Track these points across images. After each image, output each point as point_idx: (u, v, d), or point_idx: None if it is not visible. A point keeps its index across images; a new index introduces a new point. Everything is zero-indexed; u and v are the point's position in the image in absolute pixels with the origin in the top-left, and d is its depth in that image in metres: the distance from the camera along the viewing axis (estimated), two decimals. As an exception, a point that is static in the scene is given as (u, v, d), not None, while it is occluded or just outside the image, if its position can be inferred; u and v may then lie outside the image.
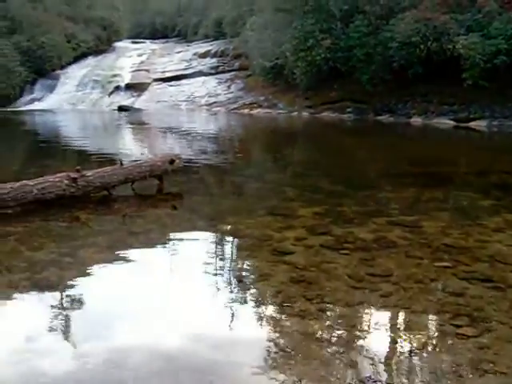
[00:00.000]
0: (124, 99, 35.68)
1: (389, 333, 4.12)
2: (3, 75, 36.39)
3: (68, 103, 36.46)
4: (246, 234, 6.39)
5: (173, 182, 9.17)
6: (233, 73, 36.66)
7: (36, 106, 36.43)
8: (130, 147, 16.58)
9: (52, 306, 4.51)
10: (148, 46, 47.83)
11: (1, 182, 7.27)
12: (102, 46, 45.98)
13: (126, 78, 38.13)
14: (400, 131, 21.56)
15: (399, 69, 23.61)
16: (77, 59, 42.83)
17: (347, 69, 25.96)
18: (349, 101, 26.34)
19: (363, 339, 3.94)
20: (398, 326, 4.26)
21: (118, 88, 37.45)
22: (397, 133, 21.17)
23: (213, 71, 37.56)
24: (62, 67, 41.17)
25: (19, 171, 11.22)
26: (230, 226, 6.88)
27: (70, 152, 14.68)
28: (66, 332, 4.09)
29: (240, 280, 5.06)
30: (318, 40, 26.48)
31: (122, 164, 8.25)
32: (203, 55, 40.16)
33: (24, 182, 7.30)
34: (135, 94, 36.45)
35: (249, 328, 4.17)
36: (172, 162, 8.75)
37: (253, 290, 4.81)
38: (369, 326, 4.19)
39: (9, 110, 34.45)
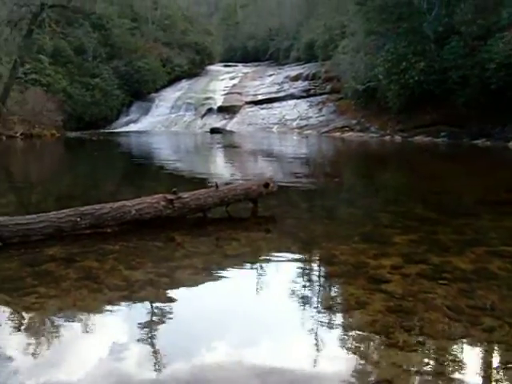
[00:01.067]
0: (216, 121, 36.50)
1: (493, 371, 3.90)
2: (102, 98, 38.18)
3: (162, 125, 37.71)
4: (340, 260, 6.27)
5: (266, 205, 9.21)
6: (324, 96, 36.73)
7: (131, 127, 37.91)
8: (223, 169, 16.86)
9: (148, 324, 4.59)
10: (240, 69, 48.85)
11: (100, 202, 7.55)
12: (196, 69, 47.40)
13: (219, 101, 39.05)
14: (497, 156, 20.80)
15: (497, 91, 22.83)
16: (171, 82, 44.43)
17: (441, 91, 25.42)
18: (443, 124, 25.75)
19: (466, 375, 3.77)
20: (504, 365, 4.02)
21: (210, 110, 38.41)
22: (494, 158, 20.40)
23: (304, 94, 37.77)
24: (157, 90, 42.81)
25: (116, 191, 11.66)
26: (323, 252, 6.79)
27: (164, 173, 15.10)
28: (159, 350, 4.14)
29: (333, 307, 4.98)
30: (412, 62, 26.14)
31: (217, 187, 8.38)
32: (295, 78, 40.50)
33: (123, 202, 7.56)
34: (227, 116, 37.19)
35: (342, 358, 4.06)
36: (267, 185, 8.80)
37: (348, 319, 4.71)
38: (471, 362, 3.98)
39: (106, 131, 35.99)
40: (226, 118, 37.06)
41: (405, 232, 7.62)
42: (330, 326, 4.59)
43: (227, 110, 37.79)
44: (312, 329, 4.50)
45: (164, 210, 7.75)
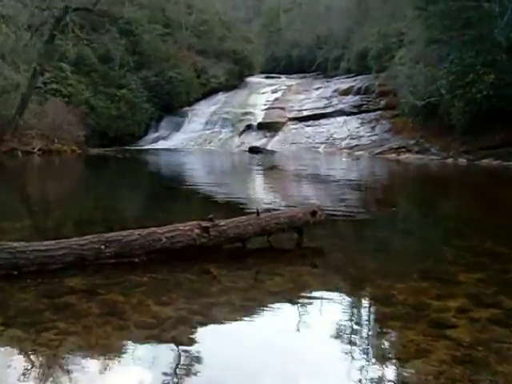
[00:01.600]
0: (256, 140, 36.68)
1: None
2: (129, 111, 38.76)
3: (195, 143, 38.10)
4: (397, 300, 6.17)
5: (312, 235, 9.18)
6: (378, 112, 36.68)
7: (161, 144, 38.38)
8: (264, 194, 16.91)
9: (179, 369, 4.58)
10: (283, 81, 49.17)
11: (126, 228, 7.62)
12: (234, 81, 47.81)
13: (259, 117, 39.28)
14: None
15: None
16: (206, 95, 44.88)
17: (514, 108, 25.09)
18: (514, 146, 25.37)
19: None
20: None
21: (249, 127, 38.64)
22: None
23: (355, 110, 37.78)
24: (190, 103, 43.29)
25: (143, 216, 11.72)
26: (378, 290, 6.68)
27: (198, 197, 15.22)
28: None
29: (388, 355, 4.88)
30: (480, 74, 25.84)
31: (258, 214, 8.40)
32: (345, 92, 40.57)
33: (153, 229, 7.62)
34: (268, 134, 37.37)
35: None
36: (314, 213, 8.79)
37: (406, 369, 4.58)
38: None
39: (132, 148, 36.48)
40: (266, 136, 37.22)
41: (472, 269, 7.47)
42: (384, 377, 4.49)
43: (268, 127, 37.95)
44: (362, 381, 4.41)
45: (198, 238, 7.77)
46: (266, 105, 41.44)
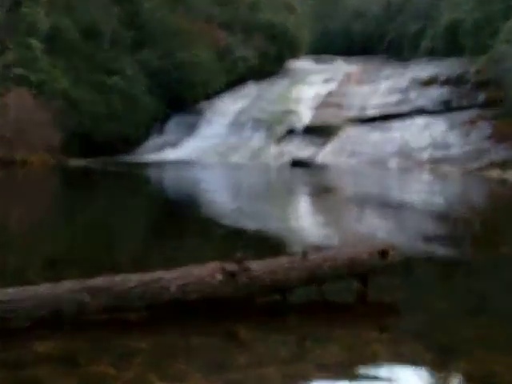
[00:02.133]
0: (301, 149, 36.66)
1: None
2: (123, 108, 38.77)
3: (215, 152, 38.10)
4: (503, 380, 6.13)
5: (381, 285, 9.14)
6: (474, 111, 36.44)
7: (168, 154, 38.42)
8: (312, 226, 16.82)
9: None
10: (340, 66, 49.11)
11: (118, 271, 7.67)
12: (269, 65, 47.84)
13: (305, 117, 39.24)
14: None
15: None
16: (230, 86, 44.89)
17: None
18: None
19: None
20: None
21: (291, 132, 38.62)
22: None
23: (442, 108, 37.64)
24: (209, 97, 43.33)
25: (144, 255, 11.78)
26: (475, 366, 6.60)
27: (219, 229, 15.19)
28: None
29: None
30: None
31: (305, 254, 8.38)
32: (427, 82, 40.43)
33: (158, 273, 7.65)
34: (318, 141, 37.33)
35: None
36: (384, 254, 8.74)
37: None
38: None
39: (129, 159, 36.48)
40: (316, 144, 37.11)
41: None
42: None
43: (318, 132, 37.77)
44: None
45: (221, 287, 7.77)
46: (315, 100, 41.36)
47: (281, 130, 38.69)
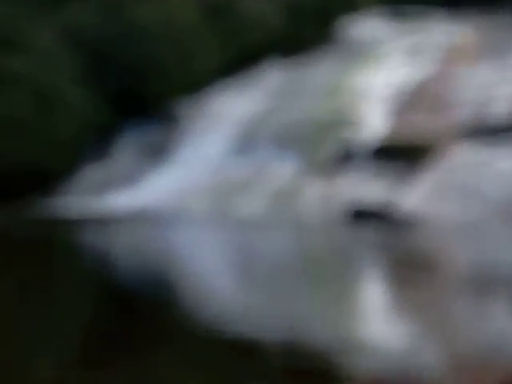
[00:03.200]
0: (367, 187, 28.52)
1: None
2: (36, 111, 30.75)
3: (205, 195, 29.60)
4: None
5: None
6: None
7: (113, 199, 30.28)
8: (390, 338, 10.49)
9: None
10: (436, 29, 38.72)
11: None
12: (305, 30, 38.09)
13: (375, 129, 30.87)
14: None
15: None
16: (233, 69, 36.08)
17: None
18: None
19: None
20: None
21: (349, 156, 30.18)
22: None
23: None
24: (191, 90, 34.70)
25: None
26: None
27: (216, 341, 9.17)
28: None
29: None
30: None
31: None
32: None
33: None
34: (401, 173, 28.99)
35: None
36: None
37: None
38: None
39: (42, 210, 28.46)
40: (396, 179, 28.50)
41: None
42: None
43: (400, 156, 29.00)
44: None
45: None
46: (392, 97, 32.59)
47: (328, 151, 30.17)
